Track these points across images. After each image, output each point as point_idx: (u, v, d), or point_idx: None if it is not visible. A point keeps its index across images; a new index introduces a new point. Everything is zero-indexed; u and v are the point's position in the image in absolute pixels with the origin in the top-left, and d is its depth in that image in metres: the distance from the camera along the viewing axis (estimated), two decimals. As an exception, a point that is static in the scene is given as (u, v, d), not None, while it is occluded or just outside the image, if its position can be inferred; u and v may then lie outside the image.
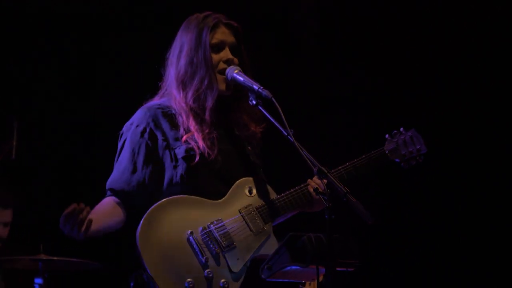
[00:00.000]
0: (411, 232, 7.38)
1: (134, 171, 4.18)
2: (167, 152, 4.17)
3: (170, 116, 4.21)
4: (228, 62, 4.21)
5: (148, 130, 4.19)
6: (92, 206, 4.03)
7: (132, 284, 4.07)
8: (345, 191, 3.70)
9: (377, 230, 6.70)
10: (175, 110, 4.22)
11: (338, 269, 3.86)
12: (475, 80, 7.43)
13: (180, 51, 4.25)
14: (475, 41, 7.43)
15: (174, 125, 4.19)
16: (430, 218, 7.39)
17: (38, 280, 6.40)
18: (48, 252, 6.39)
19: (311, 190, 4.21)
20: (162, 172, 4.17)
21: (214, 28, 4.24)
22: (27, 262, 6.46)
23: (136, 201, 4.17)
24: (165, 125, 4.19)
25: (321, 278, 3.87)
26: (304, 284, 5.17)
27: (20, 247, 6.89)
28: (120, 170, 4.21)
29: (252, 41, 4.42)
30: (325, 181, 3.77)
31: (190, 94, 4.19)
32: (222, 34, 4.25)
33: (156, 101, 4.30)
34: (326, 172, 3.77)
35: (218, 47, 4.23)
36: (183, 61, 4.22)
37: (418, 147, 4.57)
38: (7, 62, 7.24)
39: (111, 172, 4.27)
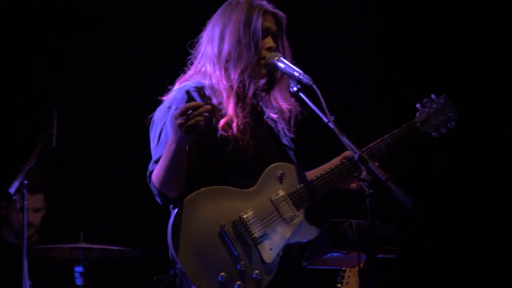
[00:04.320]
0: (454, 219, 7.29)
1: None
2: (202, 136, 4.10)
3: (205, 98, 4.15)
4: (271, 50, 4.17)
5: None
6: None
7: (172, 272, 4.06)
8: (386, 178, 3.66)
9: (418, 217, 6.66)
10: (211, 89, 4.16)
11: (379, 255, 3.84)
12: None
13: (223, 31, 4.17)
14: None
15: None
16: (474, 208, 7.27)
17: (79, 269, 6.42)
18: (88, 240, 6.43)
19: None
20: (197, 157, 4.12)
21: (263, 14, 4.18)
22: (67, 250, 6.50)
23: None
24: None
25: (361, 265, 3.86)
26: (344, 271, 5.17)
27: (60, 235, 6.95)
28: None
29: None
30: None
31: (234, 75, 4.13)
32: (269, 22, 4.21)
33: (189, 81, 4.24)
34: (367, 158, 3.74)
35: (263, 34, 4.19)
36: (228, 41, 4.15)
37: (450, 114, 4.41)
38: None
39: (148, 159, 4.17)
